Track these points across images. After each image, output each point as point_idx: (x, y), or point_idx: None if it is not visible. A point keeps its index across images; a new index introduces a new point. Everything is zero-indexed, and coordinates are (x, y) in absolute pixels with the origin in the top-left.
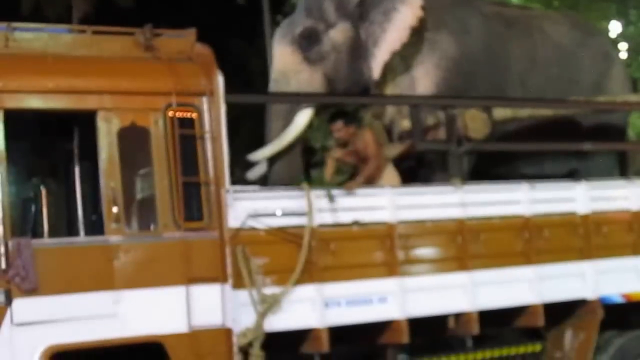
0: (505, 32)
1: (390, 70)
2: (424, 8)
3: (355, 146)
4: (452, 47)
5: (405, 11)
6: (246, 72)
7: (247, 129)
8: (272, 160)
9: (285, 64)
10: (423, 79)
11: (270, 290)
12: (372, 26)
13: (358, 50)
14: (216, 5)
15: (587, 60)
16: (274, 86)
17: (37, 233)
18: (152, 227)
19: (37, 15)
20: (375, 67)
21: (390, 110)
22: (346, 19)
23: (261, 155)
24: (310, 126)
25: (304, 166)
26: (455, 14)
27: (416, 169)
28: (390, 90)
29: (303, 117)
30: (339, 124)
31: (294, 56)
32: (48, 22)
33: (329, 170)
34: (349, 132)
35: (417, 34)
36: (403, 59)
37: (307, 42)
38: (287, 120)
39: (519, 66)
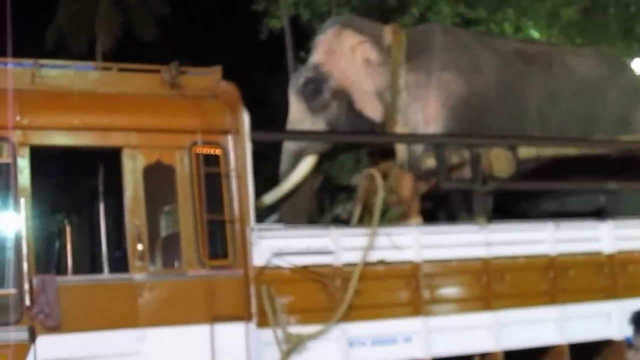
0: (523, 68)
1: (399, 111)
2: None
3: (394, 185)
4: (460, 86)
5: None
6: (269, 106)
7: (273, 164)
8: (278, 204)
9: (291, 113)
10: (431, 118)
11: (294, 329)
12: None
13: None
14: (240, 40)
15: (614, 94)
16: None
17: (60, 270)
18: (176, 264)
19: (61, 50)
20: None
21: (400, 151)
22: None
23: (266, 200)
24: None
25: (327, 204)
26: (467, 53)
27: (437, 208)
28: (400, 131)
29: (306, 164)
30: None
31: (299, 106)
32: (72, 56)
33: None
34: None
35: (426, 74)
36: (413, 98)
37: (310, 92)
38: (293, 163)
39: (538, 102)
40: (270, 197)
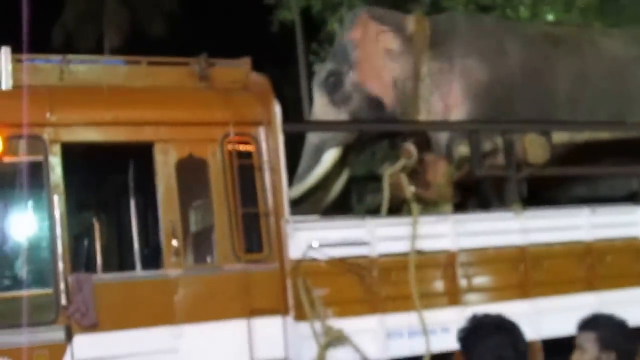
0: (551, 51)
1: (421, 99)
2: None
3: (425, 172)
4: (483, 72)
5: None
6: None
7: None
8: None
9: (315, 107)
10: (454, 106)
11: (332, 321)
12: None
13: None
14: (250, 33)
15: None
16: None
17: (95, 268)
18: (211, 259)
19: (69, 48)
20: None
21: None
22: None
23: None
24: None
25: (358, 194)
26: (491, 39)
27: (468, 196)
28: (425, 118)
29: (330, 156)
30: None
31: (322, 100)
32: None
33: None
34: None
35: (448, 62)
36: (436, 87)
37: (332, 86)
38: (316, 156)
39: (567, 85)
40: (294, 192)
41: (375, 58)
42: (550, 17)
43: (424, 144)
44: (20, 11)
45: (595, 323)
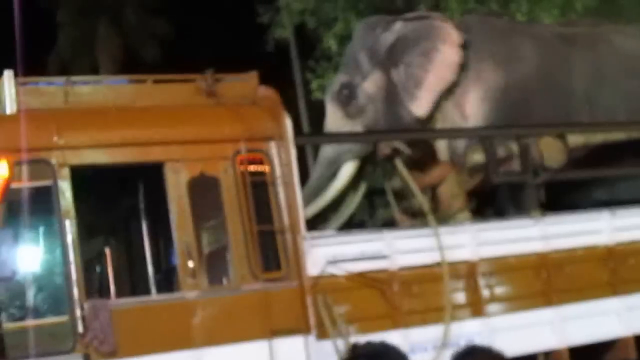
0: (566, 51)
1: (437, 107)
2: (464, 44)
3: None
4: (498, 77)
5: (446, 50)
6: None
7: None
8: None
9: (328, 121)
10: (471, 112)
11: (355, 338)
12: (410, 68)
13: (393, 96)
14: (245, 53)
15: None
16: None
17: (110, 293)
18: (228, 279)
19: (63, 73)
20: (420, 107)
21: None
22: (377, 68)
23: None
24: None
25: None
26: (505, 42)
27: (484, 204)
28: (440, 126)
29: (347, 170)
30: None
31: (335, 113)
32: None
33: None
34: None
35: (463, 69)
36: (450, 93)
37: (345, 98)
38: (329, 169)
39: (584, 85)
40: (313, 208)
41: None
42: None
43: (429, 154)
44: (15, 41)
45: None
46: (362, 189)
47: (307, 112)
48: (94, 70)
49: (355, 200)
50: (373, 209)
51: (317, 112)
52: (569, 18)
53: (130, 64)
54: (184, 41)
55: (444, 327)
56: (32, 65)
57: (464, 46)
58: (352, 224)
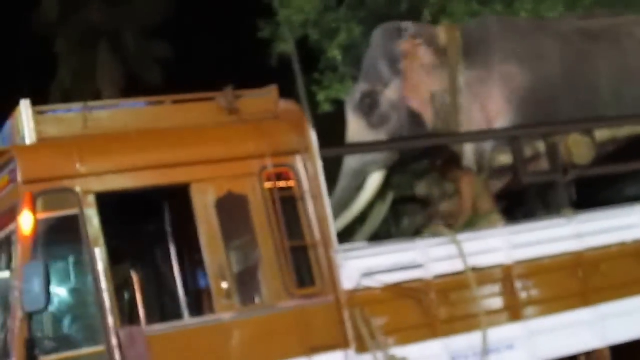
0: (589, 47)
1: (461, 111)
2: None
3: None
4: (523, 77)
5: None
6: None
7: None
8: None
9: (351, 132)
10: (496, 115)
11: (394, 351)
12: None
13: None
14: (249, 69)
15: None
16: None
17: (143, 319)
18: (262, 298)
19: (66, 102)
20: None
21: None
22: (399, 74)
23: (341, 224)
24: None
25: (397, 216)
26: (527, 41)
27: (512, 206)
28: (466, 129)
29: (375, 181)
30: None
31: (358, 124)
32: None
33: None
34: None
35: (486, 70)
36: (475, 96)
37: (368, 108)
38: (355, 180)
39: (610, 80)
40: (343, 221)
41: (411, 74)
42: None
43: (454, 159)
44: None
45: None
46: (389, 198)
47: (314, 125)
48: (97, 97)
49: (382, 211)
50: (398, 218)
51: (324, 125)
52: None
53: (132, 89)
54: (186, 62)
55: (482, 333)
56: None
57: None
58: (378, 235)
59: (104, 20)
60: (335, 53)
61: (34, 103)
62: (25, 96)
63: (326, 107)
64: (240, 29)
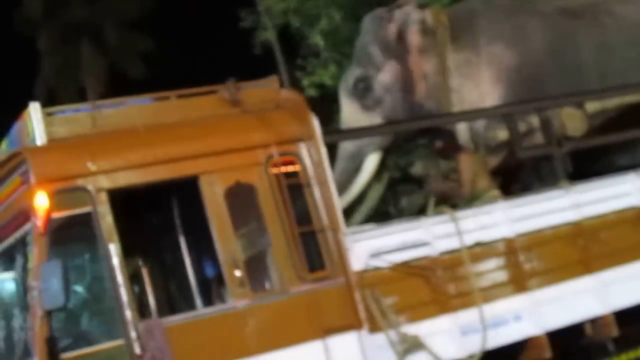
0: (571, 26)
1: (453, 92)
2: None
3: (457, 167)
4: (510, 57)
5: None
6: None
7: None
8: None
9: (346, 115)
10: (487, 94)
11: (406, 328)
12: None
13: (410, 84)
14: (233, 58)
15: None
16: None
17: (160, 311)
18: (275, 284)
19: (51, 100)
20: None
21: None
22: (391, 57)
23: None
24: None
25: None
26: (512, 22)
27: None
28: (457, 109)
29: (371, 162)
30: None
31: (352, 107)
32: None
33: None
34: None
35: (474, 51)
36: (465, 78)
37: (361, 91)
38: (352, 163)
39: (593, 57)
40: (341, 203)
41: (402, 57)
42: None
43: (452, 139)
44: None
45: None
46: (385, 179)
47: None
48: (81, 92)
49: (379, 191)
50: (396, 198)
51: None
52: None
53: (117, 83)
54: (169, 54)
55: (488, 306)
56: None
57: (472, 28)
58: (377, 215)
59: (86, 16)
60: (317, 39)
61: (19, 101)
62: (9, 94)
63: (311, 92)
64: (222, 19)
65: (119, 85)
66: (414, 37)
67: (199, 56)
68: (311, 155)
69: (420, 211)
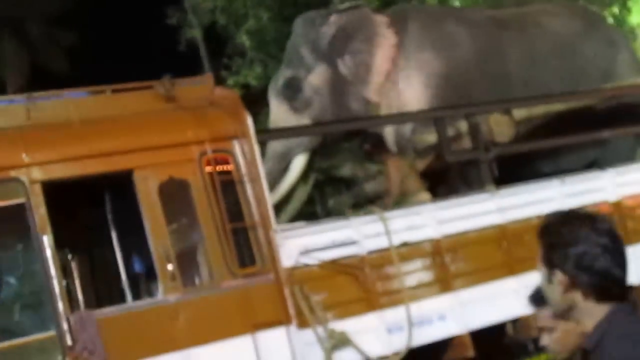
0: (499, 35)
1: (382, 95)
2: (398, 31)
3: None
4: (439, 63)
5: (385, 33)
6: None
7: None
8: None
9: (275, 116)
10: (415, 99)
11: (334, 324)
12: (357, 56)
13: (340, 87)
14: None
15: (592, 48)
16: None
17: (93, 304)
18: (206, 279)
19: None
20: (375, 91)
21: (388, 134)
22: (322, 60)
23: None
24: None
25: (323, 196)
26: (442, 29)
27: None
28: (385, 112)
29: (299, 163)
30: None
31: (281, 108)
32: None
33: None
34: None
35: (404, 57)
36: (393, 83)
37: (291, 92)
38: (280, 163)
39: (519, 66)
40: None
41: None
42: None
43: (381, 142)
44: None
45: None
46: (312, 180)
47: None
48: (2, 87)
49: (305, 192)
50: (324, 198)
51: None
52: None
53: (39, 78)
54: (94, 49)
55: (414, 304)
56: None
57: (403, 34)
58: (304, 215)
59: (7, 10)
60: (243, 39)
61: None
62: None
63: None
64: (148, 15)
65: (41, 80)
66: (345, 42)
67: (123, 52)
68: (244, 153)
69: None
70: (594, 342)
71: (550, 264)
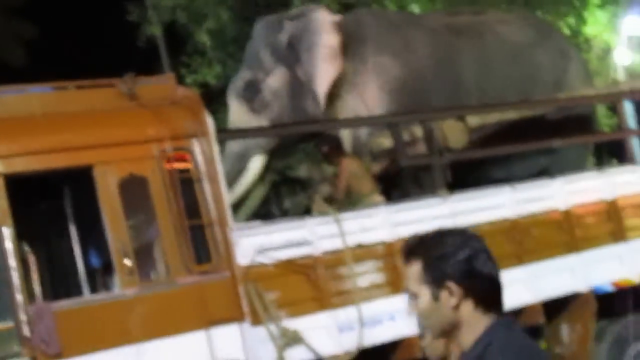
0: (455, 42)
1: (338, 98)
2: (340, 31)
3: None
4: (396, 68)
5: (324, 42)
6: None
7: None
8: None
9: (234, 117)
10: (371, 103)
11: (287, 322)
12: (304, 64)
13: (298, 90)
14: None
15: (545, 58)
16: None
17: (50, 296)
18: (163, 275)
19: None
20: (319, 101)
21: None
22: (281, 63)
23: None
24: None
25: (279, 196)
26: (400, 34)
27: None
28: (342, 116)
29: (256, 164)
30: (327, 148)
31: (240, 109)
32: None
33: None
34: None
35: (361, 61)
36: (351, 86)
37: (250, 94)
38: (237, 163)
39: (473, 73)
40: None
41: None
42: (416, 9)
43: (338, 145)
44: None
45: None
46: (268, 181)
47: None
48: None
49: (261, 193)
50: (279, 199)
51: None
52: (436, 3)
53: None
54: (52, 43)
55: (366, 305)
56: None
57: (360, 38)
58: (260, 215)
59: None
60: (203, 38)
61: None
62: None
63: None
64: (108, 11)
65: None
66: (297, 49)
67: (82, 46)
68: (203, 152)
69: (305, 212)
70: (475, 356)
71: (439, 278)
